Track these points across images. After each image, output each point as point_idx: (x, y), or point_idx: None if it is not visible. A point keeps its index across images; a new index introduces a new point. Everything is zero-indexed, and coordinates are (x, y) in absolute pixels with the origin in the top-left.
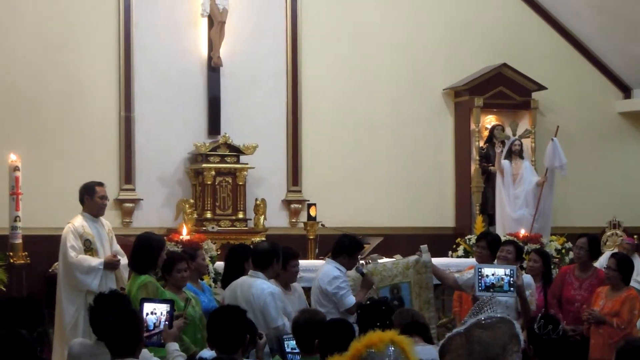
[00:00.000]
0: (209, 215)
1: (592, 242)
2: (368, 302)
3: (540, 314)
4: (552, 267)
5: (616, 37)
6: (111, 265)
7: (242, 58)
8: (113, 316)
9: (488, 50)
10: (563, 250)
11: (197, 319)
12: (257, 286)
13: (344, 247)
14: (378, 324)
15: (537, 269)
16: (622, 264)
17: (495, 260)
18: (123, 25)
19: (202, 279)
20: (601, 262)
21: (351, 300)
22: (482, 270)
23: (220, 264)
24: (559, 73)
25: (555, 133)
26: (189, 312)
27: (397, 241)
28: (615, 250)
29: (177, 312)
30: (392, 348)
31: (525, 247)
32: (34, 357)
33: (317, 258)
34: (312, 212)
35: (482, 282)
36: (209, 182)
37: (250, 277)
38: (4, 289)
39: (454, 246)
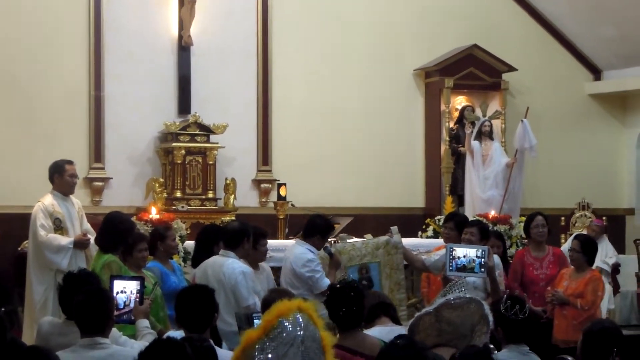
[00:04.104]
0: (178, 194)
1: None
2: (338, 285)
3: (506, 296)
4: (507, 247)
5: (587, 19)
6: (81, 244)
7: (213, 37)
8: (83, 295)
9: (459, 31)
10: None
11: (158, 297)
12: (228, 265)
13: (317, 228)
14: (349, 307)
15: (500, 254)
16: (585, 246)
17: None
18: (93, 4)
19: (172, 258)
20: (568, 243)
21: (326, 282)
22: (454, 251)
23: (189, 243)
24: (529, 54)
25: (525, 114)
26: (150, 291)
27: (367, 221)
28: (584, 231)
29: (145, 295)
30: (300, 315)
31: (495, 228)
32: (2, 336)
33: (286, 238)
34: (282, 192)
35: (454, 263)
36: (179, 162)
37: (221, 256)
38: None
39: (424, 227)
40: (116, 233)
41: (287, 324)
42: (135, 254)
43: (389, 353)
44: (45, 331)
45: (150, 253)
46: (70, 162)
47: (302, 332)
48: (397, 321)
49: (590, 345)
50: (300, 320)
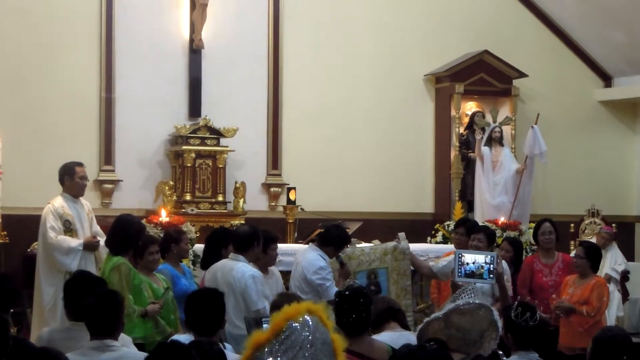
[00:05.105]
0: (188, 197)
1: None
2: (347, 293)
3: (517, 302)
4: (523, 254)
5: (597, 26)
6: (90, 246)
7: (224, 41)
8: (94, 297)
9: (469, 37)
10: None
11: (170, 301)
12: (238, 269)
13: (333, 238)
14: (359, 313)
15: (509, 258)
16: (590, 252)
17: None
18: (105, 6)
19: (182, 262)
20: None
21: (335, 291)
22: (463, 257)
23: (199, 247)
24: (540, 61)
25: (536, 121)
26: (160, 294)
27: (376, 226)
28: (594, 238)
29: (156, 300)
30: (309, 317)
31: (504, 234)
32: (6, 336)
33: (295, 242)
34: (292, 196)
35: (462, 269)
36: (189, 165)
37: (231, 260)
38: None
39: (433, 232)
40: (126, 235)
41: (295, 326)
42: (146, 257)
43: (417, 355)
44: (46, 340)
45: (161, 255)
46: (80, 164)
47: (311, 335)
48: (405, 326)
49: (600, 352)
50: (310, 322)
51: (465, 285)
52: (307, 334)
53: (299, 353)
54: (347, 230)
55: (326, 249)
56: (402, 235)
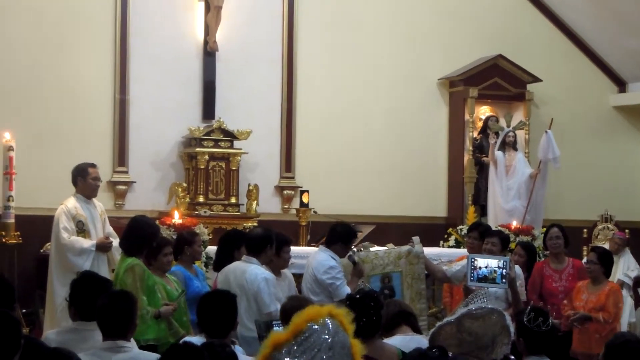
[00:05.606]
0: (201, 199)
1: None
2: (357, 296)
3: (529, 307)
4: (536, 259)
5: (612, 31)
6: (103, 247)
7: (238, 43)
8: (107, 298)
9: (484, 41)
10: None
11: (182, 302)
12: (251, 272)
13: (338, 235)
14: (370, 316)
15: (523, 263)
16: (603, 257)
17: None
18: (120, 9)
19: (194, 263)
20: None
21: (346, 290)
22: (476, 261)
23: (211, 249)
24: (554, 65)
25: (550, 125)
26: (174, 296)
27: (389, 230)
28: (607, 244)
29: (170, 302)
30: (330, 321)
31: (517, 239)
32: (17, 336)
33: (308, 245)
34: (305, 199)
35: (475, 273)
36: (202, 167)
37: (244, 262)
38: None
39: (446, 236)
40: (141, 237)
41: (316, 328)
42: (161, 258)
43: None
44: (53, 341)
45: (174, 257)
46: (93, 165)
47: (330, 338)
48: (417, 330)
49: (612, 359)
50: (330, 325)
51: (478, 289)
52: (327, 336)
53: (317, 355)
54: (359, 233)
55: (334, 247)
56: (416, 239)
